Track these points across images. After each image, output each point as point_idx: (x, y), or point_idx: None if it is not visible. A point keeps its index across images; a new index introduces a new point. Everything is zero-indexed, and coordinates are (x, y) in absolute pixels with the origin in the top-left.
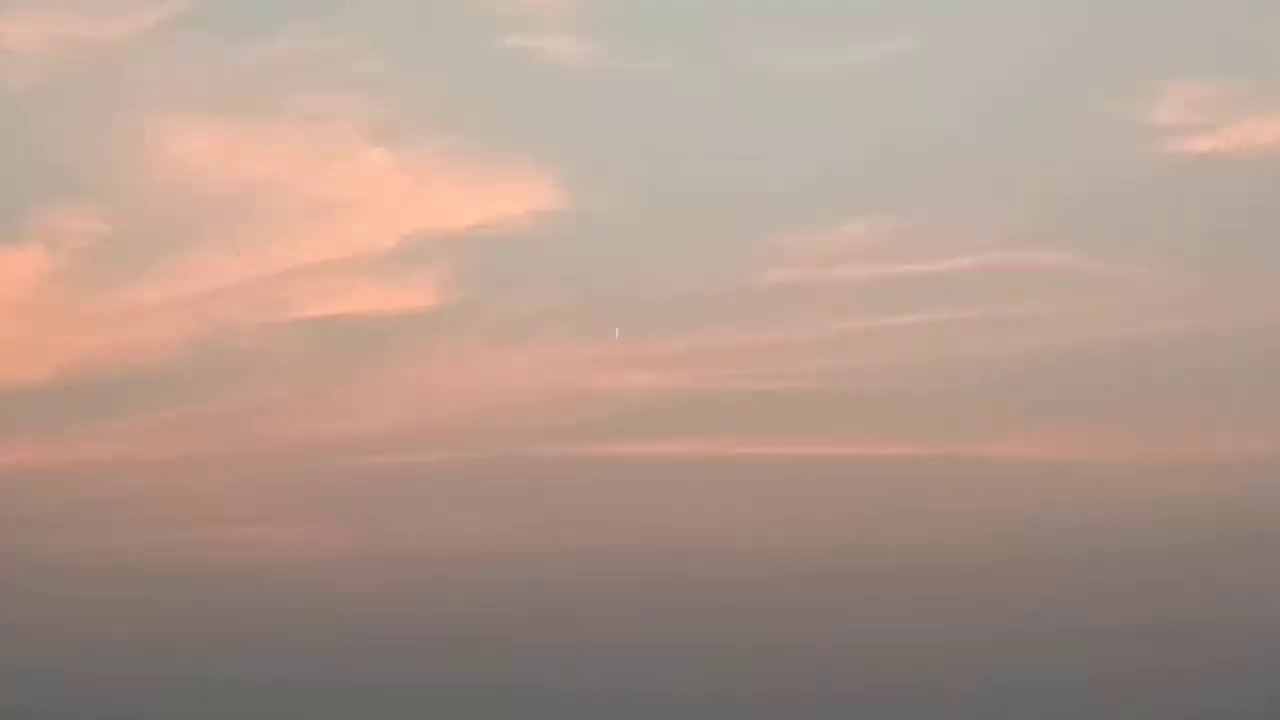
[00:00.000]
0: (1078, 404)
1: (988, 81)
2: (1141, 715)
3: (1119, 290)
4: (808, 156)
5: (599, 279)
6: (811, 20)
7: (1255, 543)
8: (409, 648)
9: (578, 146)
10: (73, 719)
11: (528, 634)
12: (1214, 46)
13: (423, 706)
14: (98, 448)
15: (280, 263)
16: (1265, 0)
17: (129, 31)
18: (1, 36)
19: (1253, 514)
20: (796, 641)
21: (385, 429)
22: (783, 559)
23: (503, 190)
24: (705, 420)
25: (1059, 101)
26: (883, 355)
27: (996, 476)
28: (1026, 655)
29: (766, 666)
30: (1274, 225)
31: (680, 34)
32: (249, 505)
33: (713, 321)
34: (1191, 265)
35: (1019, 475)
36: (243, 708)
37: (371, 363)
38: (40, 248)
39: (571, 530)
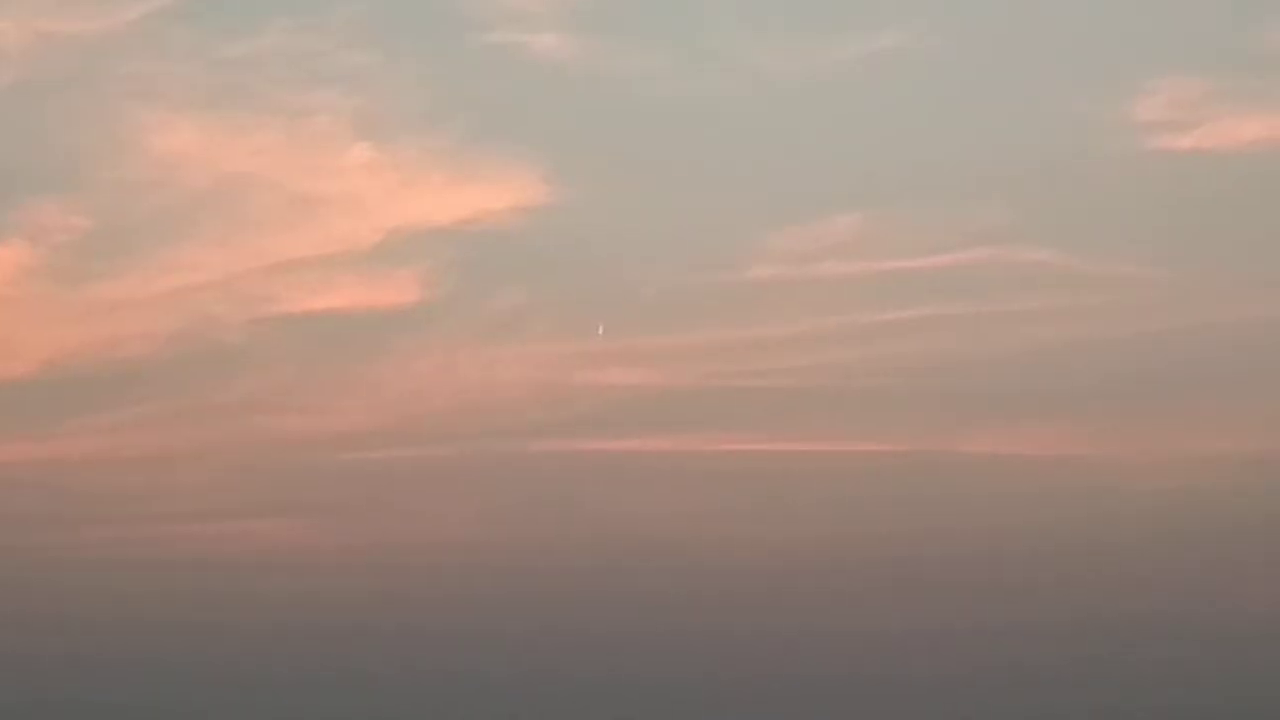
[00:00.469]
0: (1061, 400)
1: (971, 80)
2: (1129, 707)
3: (1101, 287)
4: (791, 154)
5: (583, 275)
6: (795, 19)
7: (1240, 537)
8: (395, 641)
9: (562, 143)
10: (57, 710)
11: (513, 627)
12: (1196, 45)
13: (409, 698)
14: (81, 442)
15: (264, 258)
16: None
17: (112, 26)
18: None
19: (1237, 508)
20: (779, 634)
21: (369, 424)
22: (766, 553)
23: (487, 186)
24: (689, 416)
25: (1043, 99)
26: (866, 352)
27: (979, 472)
28: (1010, 648)
29: (749, 657)
30: (1256, 222)
31: (664, 32)
32: (233, 500)
33: (696, 318)
34: (1174, 262)
35: (1002, 471)
36: (228, 700)
37: (355, 358)
38: (23, 242)
39: (556, 524)
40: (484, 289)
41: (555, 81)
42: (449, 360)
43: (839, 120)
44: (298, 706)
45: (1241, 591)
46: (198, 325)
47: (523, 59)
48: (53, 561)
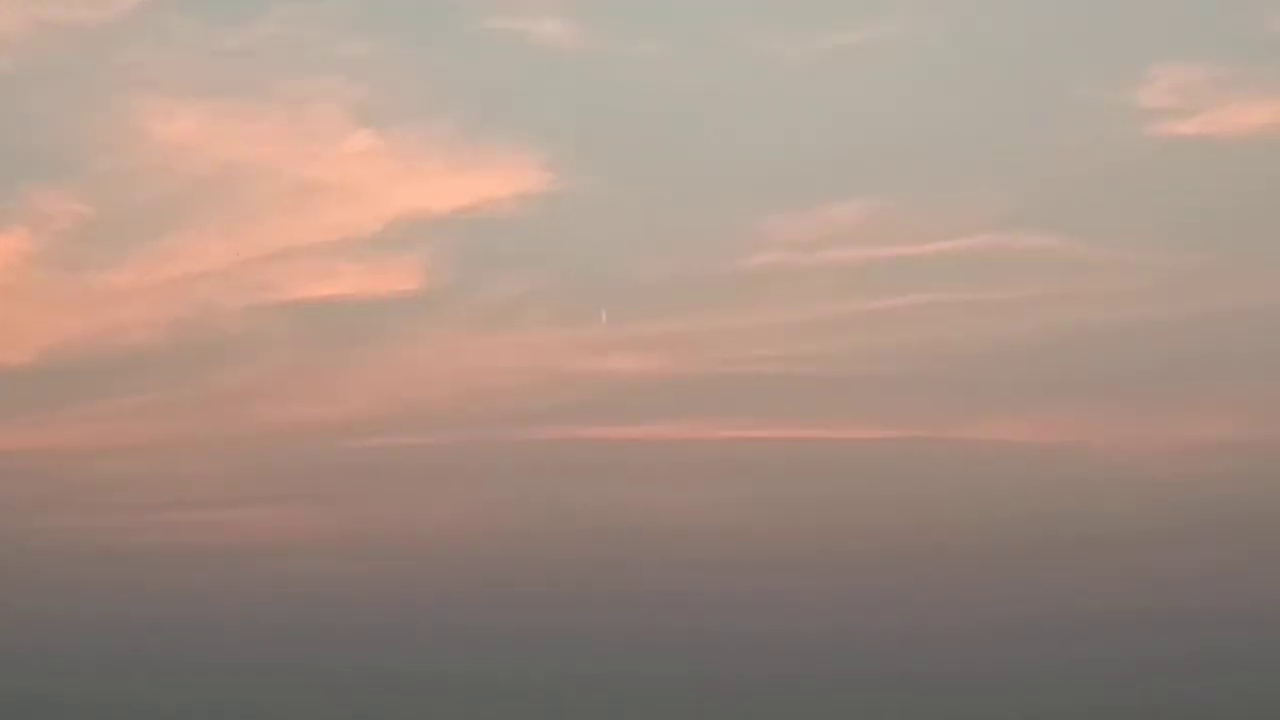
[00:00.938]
0: (1066, 386)
1: (974, 65)
2: (1125, 699)
3: (1105, 273)
4: (793, 140)
5: (584, 262)
6: (795, 6)
7: (1241, 526)
8: (394, 630)
9: (563, 130)
10: (55, 700)
11: (512, 615)
12: (1200, 30)
13: (408, 688)
14: (81, 430)
15: (264, 245)
16: None
17: (112, 15)
18: None
19: (1239, 497)
20: (779, 623)
21: (370, 412)
22: (768, 541)
23: (488, 173)
24: (691, 403)
25: (1045, 85)
26: (869, 338)
27: (984, 459)
28: (1009, 638)
29: (750, 647)
30: (1260, 208)
31: (666, 18)
32: (233, 488)
33: (698, 305)
34: (1177, 248)
35: (1006, 458)
36: (225, 690)
37: (356, 346)
38: (24, 230)
39: (556, 512)
40: (485, 276)
41: (555, 69)
42: (449, 348)
43: (840, 106)
44: (297, 696)
45: (1246, 580)
46: (198, 313)
47: (523, 46)
48: (52, 550)
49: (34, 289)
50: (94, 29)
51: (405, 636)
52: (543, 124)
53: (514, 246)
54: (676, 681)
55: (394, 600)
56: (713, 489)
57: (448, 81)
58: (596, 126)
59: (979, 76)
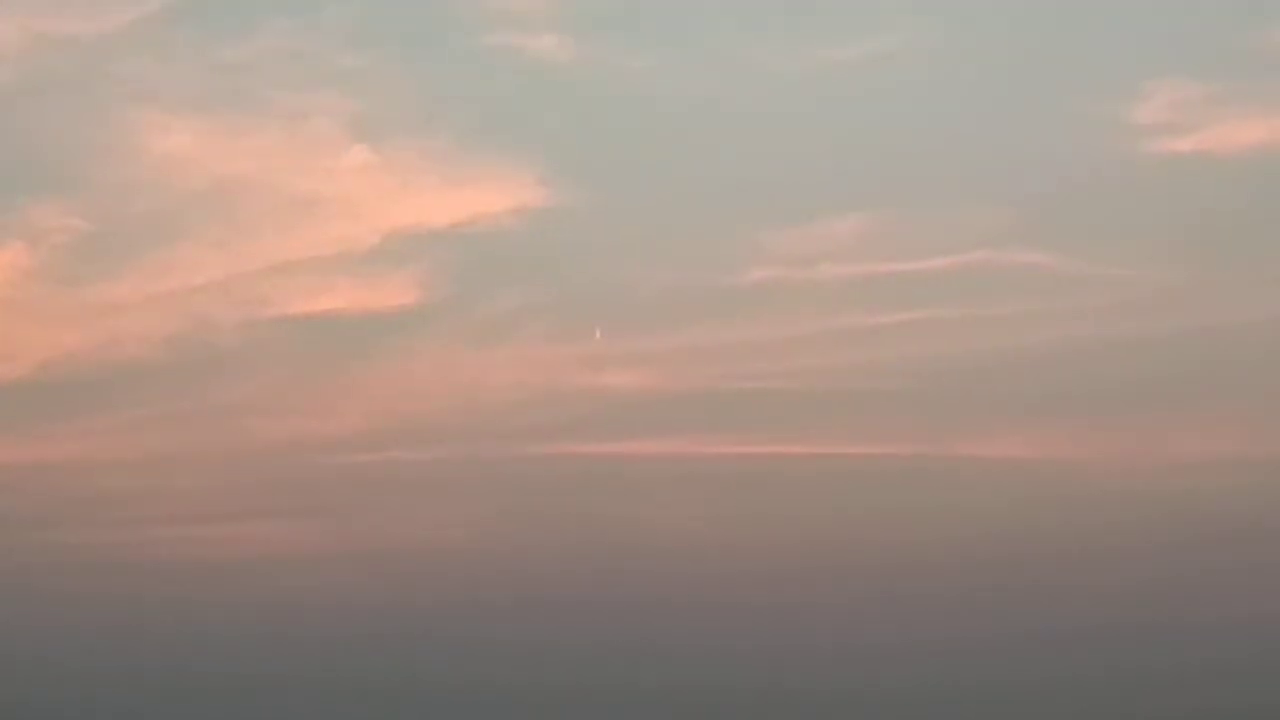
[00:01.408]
0: (1059, 403)
1: (968, 81)
2: (1122, 713)
3: (1102, 289)
4: (789, 155)
5: (580, 277)
6: (792, 20)
7: (1235, 539)
8: (391, 643)
9: (559, 144)
10: (51, 714)
11: (509, 629)
12: (1196, 47)
13: (403, 703)
14: (78, 444)
15: (261, 260)
16: (1245, 1)
17: (110, 28)
18: None
19: (1232, 511)
20: (777, 638)
21: (366, 427)
22: (763, 557)
23: (484, 188)
24: (686, 419)
25: (1042, 101)
26: (864, 354)
27: (977, 475)
28: (1005, 654)
29: (745, 663)
30: (1253, 225)
31: (662, 32)
32: (229, 503)
33: (694, 320)
34: (1171, 265)
35: (999, 474)
36: (223, 704)
37: (352, 360)
38: (21, 244)
39: (552, 528)
40: (481, 291)
41: (552, 83)
42: (446, 362)
43: (838, 122)
44: (293, 710)
45: (1241, 595)
46: (194, 327)
47: (520, 61)
48: (50, 564)
49: (31, 303)
50: (91, 42)
51: (402, 650)
52: (539, 139)
53: (510, 261)
54: (674, 696)
55: (391, 614)
56: (709, 504)
57: (444, 96)
58: (593, 141)
59: (976, 92)
